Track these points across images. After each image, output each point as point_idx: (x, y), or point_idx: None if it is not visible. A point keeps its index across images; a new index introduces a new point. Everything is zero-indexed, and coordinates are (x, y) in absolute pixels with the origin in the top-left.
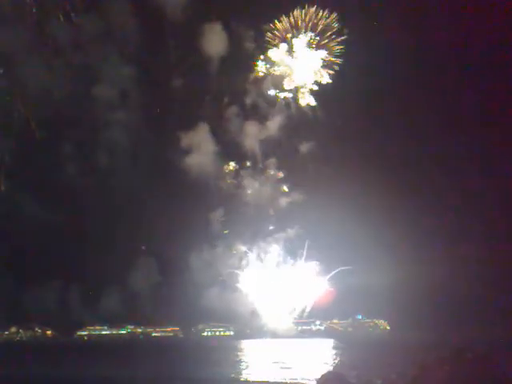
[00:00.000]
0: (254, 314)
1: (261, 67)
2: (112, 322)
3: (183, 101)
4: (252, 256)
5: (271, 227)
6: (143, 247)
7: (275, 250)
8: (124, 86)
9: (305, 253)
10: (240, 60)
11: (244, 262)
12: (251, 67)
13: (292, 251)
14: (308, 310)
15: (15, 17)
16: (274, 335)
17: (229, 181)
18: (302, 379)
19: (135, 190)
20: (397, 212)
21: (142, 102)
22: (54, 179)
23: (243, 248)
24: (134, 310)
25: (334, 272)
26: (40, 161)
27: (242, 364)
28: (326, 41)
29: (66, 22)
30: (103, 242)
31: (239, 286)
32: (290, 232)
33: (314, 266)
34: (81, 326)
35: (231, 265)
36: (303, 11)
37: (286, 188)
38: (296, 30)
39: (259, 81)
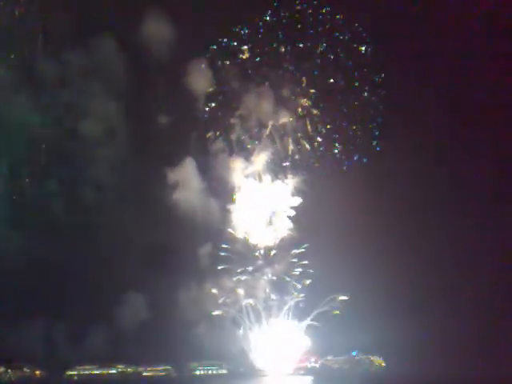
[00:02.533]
0: (243, 352)
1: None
2: (101, 362)
3: (170, 137)
4: (240, 293)
5: (259, 262)
6: None
7: (262, 286)
8: (110, 122)
9: (292, 288)
10: (226, 96)
11: (232, 299)
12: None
13: (279, 287)
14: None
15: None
16: (268, 373)
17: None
18: None
19: (122, 226)
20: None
21: (128, 138)
22: (39, 216)
23: (231, 284)
24: (122, 348)
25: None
26: (25, 198)
27: None
28: None
29: (53, 59)
30: (89, 279)
31: (227, 323)
32: (278, 268)
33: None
34: (70, 366)
35: (219, 302)
36: None
37: None
38: None
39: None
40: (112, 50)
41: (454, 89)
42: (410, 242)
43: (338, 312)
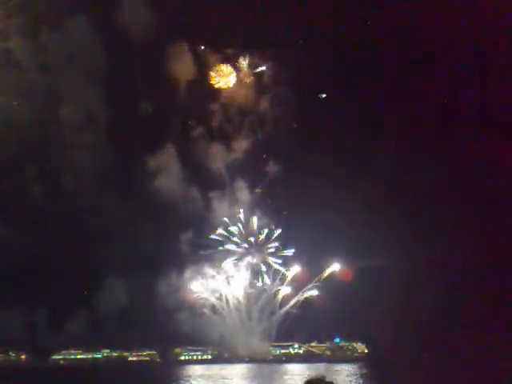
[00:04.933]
0: (223, 338)
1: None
2: (86, 346)
3: (150, 123)
4: (220, 280)
5: (241, 250)
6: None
7: (243, 273)
8: (90, 107)
9: (271, 277)
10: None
11: (212, 286)
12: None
13: (260, 275)
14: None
15: None
16: (252, 360)
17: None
18: None
19: (102, 212)
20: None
21: (108, 124)
22: (19, 202)
23: (211, 272)
24: (105, 333)
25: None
26: (4, 183)
27: None
28: None
29: (32, 43)
30: (70, 265)
31: (206, 310)
32: (258, 256)
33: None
34: (55, 350)
35: (199, 288)
36: None
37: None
38: None
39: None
40: (90, 35)
41: None
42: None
43: (317, 293)
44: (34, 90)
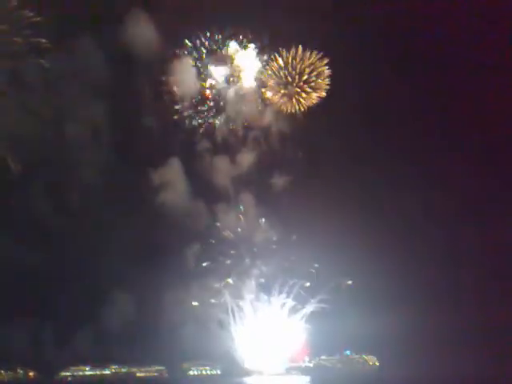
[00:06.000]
0: (233, 352)
1: None
2: (94, 362)
3: (155, 137)
4: (226, 294)
5: (247, 261)
6: None
7: (250, 286)
8: (95, 124)
9: (277, 290)
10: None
11: (218, 300)
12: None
13: (267, 288)
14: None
15: None
16: (261, 373)
17: None
18: None
19: (107, 227)
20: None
21: (114, 140)
22: (23, 218)
23: (217, 285)
24: (113, 349)
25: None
26: (12, 200)
27: None
28: None
29: (37, 62)
30: (76, 281)
31: (213, 325)
32: (265, 269)
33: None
34: (63, 367)
35: (205, 303)
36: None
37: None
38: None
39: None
40: (93, 52)
41: None
42: (402, 239)
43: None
44: (39, 108)
